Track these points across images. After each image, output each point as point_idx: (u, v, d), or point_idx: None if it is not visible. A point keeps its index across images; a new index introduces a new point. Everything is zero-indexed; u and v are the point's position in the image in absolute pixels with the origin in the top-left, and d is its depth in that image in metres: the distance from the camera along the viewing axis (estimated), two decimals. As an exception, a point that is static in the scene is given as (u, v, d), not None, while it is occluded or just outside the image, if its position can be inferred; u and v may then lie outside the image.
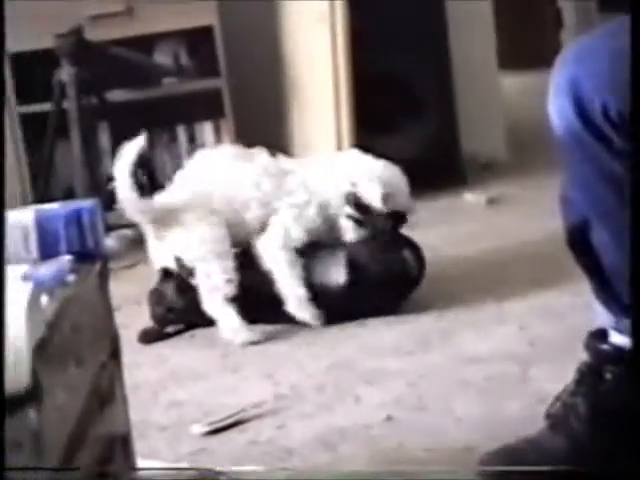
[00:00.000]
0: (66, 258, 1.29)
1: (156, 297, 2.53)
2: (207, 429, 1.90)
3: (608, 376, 1.47)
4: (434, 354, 2.17)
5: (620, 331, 1.45)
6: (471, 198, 3.54)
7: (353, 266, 2.42)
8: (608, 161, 1.37)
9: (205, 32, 3.49)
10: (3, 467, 0.88)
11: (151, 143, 3.69)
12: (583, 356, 2.01)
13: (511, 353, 2.11)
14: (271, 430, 1.89)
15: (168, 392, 2.13)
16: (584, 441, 1.48)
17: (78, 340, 1.19)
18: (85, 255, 1.34)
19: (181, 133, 3.71)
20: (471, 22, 3.99)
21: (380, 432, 1.82)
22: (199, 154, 2.67)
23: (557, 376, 1.95)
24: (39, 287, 1.07)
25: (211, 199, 2.48)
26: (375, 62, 3.51)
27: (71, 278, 1.22)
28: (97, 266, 1.34)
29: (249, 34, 3.77)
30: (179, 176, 2.61)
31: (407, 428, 1.82)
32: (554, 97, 1.41)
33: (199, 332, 2.51)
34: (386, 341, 2.28)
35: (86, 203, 1.36)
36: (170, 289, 2.51)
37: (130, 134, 3.55)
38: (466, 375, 2.02)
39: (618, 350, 1.46)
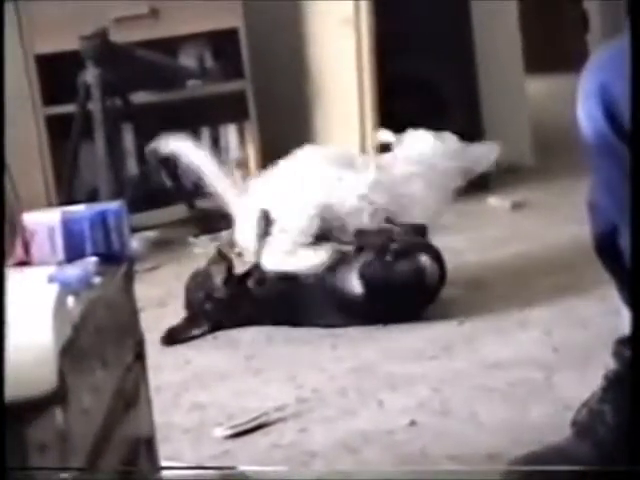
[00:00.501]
0: (92, 260, 1.29)
1: (201, 278, 2.53)
2: (230, 432, 1.90)
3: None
4: (457, 359, 2.16)
5: None
6: (495, 202, 3.53)
7: (366, 276, 2.42)
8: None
9: (230, 34, 3.50)
10: (3, 467, 0.87)
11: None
12: (608, 362, 2.02)
13: (535, 359, 2.10)
14: (293, 433, 1.88)
15: (191, 394, 2.13)
16: (611, 448, 1.47)
17: (103, 342, 1.19)
18: (110, 257, 1.34)
19: (205, 135, 3.71)
20: (497, 24, 3.99)
21: (403, 437, 1.81)
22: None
23: (581, 383, 1.94)
24: (65, 289, 1.07)
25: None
26: (399, 64, 3.51)
27: (97, 280, 1.22)
28: (122, 268, 1.34)
29: (274, 36, 3.77)
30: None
31: (430, 433, 1.81)
32: (583, 101, 1.41)
33: (222, 334, 2.51)
34: (409, 345, 2.27)
35: (112, 205, 1.37)
36: (219, 273, 2.50)
37: (154, 136, 3.58)
38: (489, 381, 2.01)
39: None
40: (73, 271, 1.18)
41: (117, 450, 1.17)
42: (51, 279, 1.12)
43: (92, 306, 1.16)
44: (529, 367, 2.05)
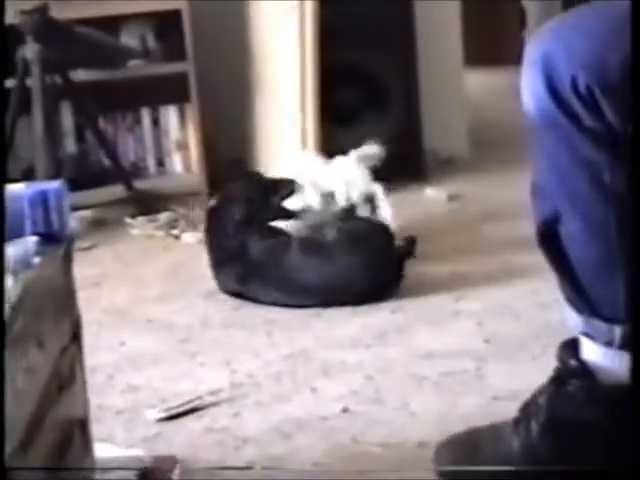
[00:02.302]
0: (31, 239, 1.28)
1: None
2: (163, 415, 1.90)
3: (570, 389, 1.48)
4: (391, 348, 2.18)
5: (591, 336, 1.46)
6: (432, 193, 3.56)
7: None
8: (579, 142, 1.36)
9: (173, 15, 3.48)
10: (3, 467, 0.87)
11: (114, 124, 3.69)
12: (537, 354, 2.06)
13: (466, 350, 2.13)
14: (227, 418, 1.89)
15: (124, 376, 2.13)
16: (537, 445, 1.49)
17: (40, 323, 1.19)
18: (50, 237, 1.33)
19: (145, 116, 3.69)
20: (438, 18, 4.01)
21: (336, 424, 1.83)
22: None
23: (510, 374, 1.99)
24: (10, 269, 1.06)
25: None
26: (342, 55, 3.52)
27: (36, 260, 1.21)
28: (62, 248, 1.34)
29: (218, 20, 3.75)
30: None
31: (363, 421, 1.83)
32: (526, 73, 1.40)
33: (157, 317, 2.50)
34: (343, 333, 2.29)
35: (53, 184, 1.36)
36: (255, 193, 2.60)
37: (94, 115, 3.56)
38: (422, 370, 2.03)
39: (583, 366, 1.47)
40: (12, 251, 1.17)
41: (51, 432, 1.17)
42: (-10, 259, 1.11)
43: (30, 286, 1.15)
44: (461, 357, 2.08)
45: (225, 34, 3.72)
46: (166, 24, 3.58)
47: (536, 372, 1.92)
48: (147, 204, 3.44)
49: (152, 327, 2.45)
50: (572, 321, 1.48)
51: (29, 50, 3.21)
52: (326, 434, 1.79)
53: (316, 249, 2.53)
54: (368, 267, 2.49)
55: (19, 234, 1.30)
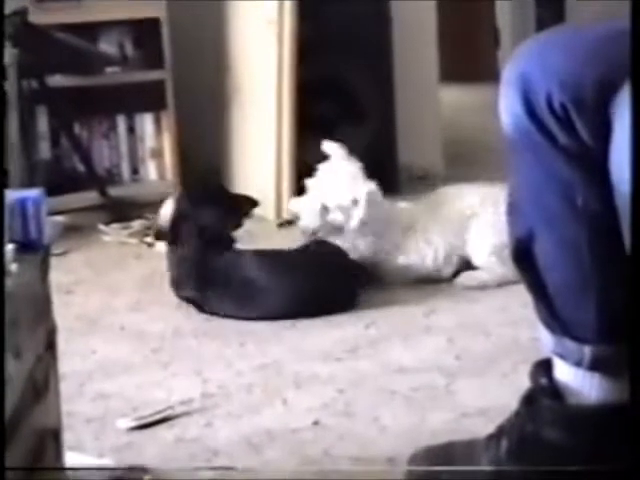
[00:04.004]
0: (9, 247, 1.29)
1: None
2: (134, 424, 1.90)
3: (539, 409, 1.49)
4: (362, 361, 2.19)
5: (562, 356, 1.47)
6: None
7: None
8: (553, 159, 1.37)
9: (152, 24, 3.49)
10: (3, 467, 0.87)
11: (89, 130, 3.68)
12: (506, 371, 2.08)
13: (437, 365, 2.14)
14: (198, 428, 1.90)
15: (95, 384, 2.13)
16: (504, 463, 1.50)
17: (18, 332, 1.19)
18: (27, 245, 1.33)
19: (121, 123, 3.69)
20: (415, 34, 4.04)
21: (307, 436, 1.84)
22: None
23: (480, 391, 2.00)
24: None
25: None
26: (319, 68, 3.54)
27: (14, 268, 1.22)
28: (39, 257, 1.34)
29: (196, 29, 3.77)
30: None
31: (334, 434, 1.84)
32: (503, 91, 1.41)
33: (129, 325, 2.51)
34: (316, 346, 2.30)
35: (31, 192, 1.36)
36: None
37: (69, 120, 3.55)
38: (393, 385, 2.05)
39: (553, 386, 1.48)
40: (-9, 259, 1.18)
41: (25, 441, 1.17)
42: (-31, 267, 1.11)
43: (8, 295, 1.15)
44: (431, 373, 2.10)
45: (203, 44, 3.73)
46: (144, 32, 3.59)
47: (505, 389, 1.96)
48: (121, 211, 3.44)
49: (124, 335, 2.45)
50: (545, 340, 1.50)
51: (6, 54, 3.20)
52: (297, 447, 1.80)
53: (273, 263, 2.55)
54: (323, 279, 2.52)
55: (-4, 242, 1.30)
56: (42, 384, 1.30)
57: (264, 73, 3.46)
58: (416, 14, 4.02)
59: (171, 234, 2.63)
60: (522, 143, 1.39)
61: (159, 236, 2.73)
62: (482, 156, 4.67)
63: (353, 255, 2.67)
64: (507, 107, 1.40)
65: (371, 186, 2.73)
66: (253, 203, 2.75)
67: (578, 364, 1.45)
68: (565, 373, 1.47)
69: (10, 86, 3.21)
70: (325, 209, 2.73)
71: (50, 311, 1.39)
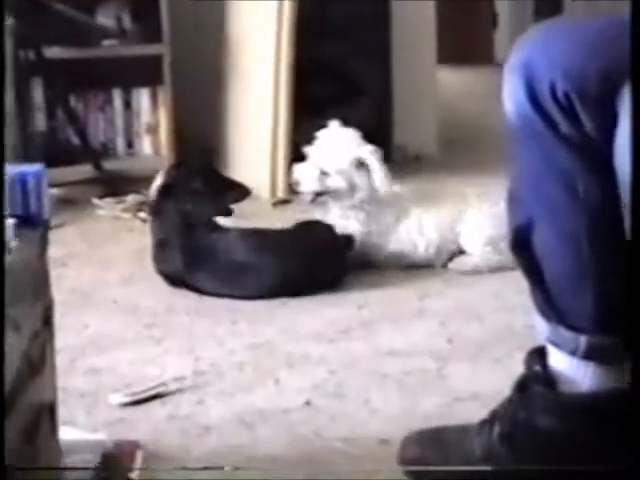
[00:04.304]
0: (9, 222, 1.28)
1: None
2: (126, 400, 1.91)
3: (532, 395, 1.50)
4: (354, 343, 2.20)
5: (557, 344, 1.48)
6: (398, 190, 3.57)
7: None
8: (555, 148, 1.38)
9: (151, -2, 3.47)
10: (3, 466, 0.87)
11: (85, 103, 3.67)
12: (499, 357, 2.08)
13: (429, 349, 2.15)
14: (190, 406, 1.90)
15: (88, 359, 2.13)
16: (496, 448, 1.51)
17: (17, 306, 1.19)
18: (27, 220, 1.33)
19: (117, 96, 3.68)
20: (414, 14, 4.03)
21: (298, 417, 1.84)
22: None
23: (472, 375, 2.01)
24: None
25: None
26: (318, 48, 3.53)
27: (14, 244, 1.21)
28: (39, 232, 1.34)
29: (196, 5, 3.75)
30: None
31: (325, 415, 1.85)
32: (507, 79, 1.41)
33: (122, 300, 2.51)
34: (308, 326, 2.30)
35: (33, 167, 1.36)
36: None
37: (65, 92, 3.54)
38: (384, 368, 2.05)
39: (547, 374, 1.49)
40: (-8, 234, 1.17)
41: (21, 416, 1.17)
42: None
43: (8, 269, 1.15)
44: (423, 357, 2.10)
45: (203, 19, 3.72)
46: (143, 5, 3.57)
47: (497, 375, 1.97)
48: (115, 185, 3.44)
49: (117, 310, 2.45)
50: (540, 328, 1.50)
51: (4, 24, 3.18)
52: (288, 427, 1.81)
53: (260, 241, 2.55)
54: (312, 257, 2.53)
55: (-4, 216, 1.30)
56: (38, 359, 1.30)
57: (263, 51, 3.45)
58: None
59: (155, 206, 2.63)
60: (524, 131, 1.40)
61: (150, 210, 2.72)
62: (476, 139, 4.68)
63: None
64: (510, 95, 1.40)
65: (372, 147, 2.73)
66: (245, 192, 2.73)
67: (573, 353, 1.46)
68: (559, 361, 1.48)
69: (7, 56, 3.19)
70: (324, 174, 2.73)
71: (48, 286, 1.40)
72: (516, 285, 2.51)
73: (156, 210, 2.63)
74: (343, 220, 2.73)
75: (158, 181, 2.66)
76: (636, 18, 1.20)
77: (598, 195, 1.37)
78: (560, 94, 1.33)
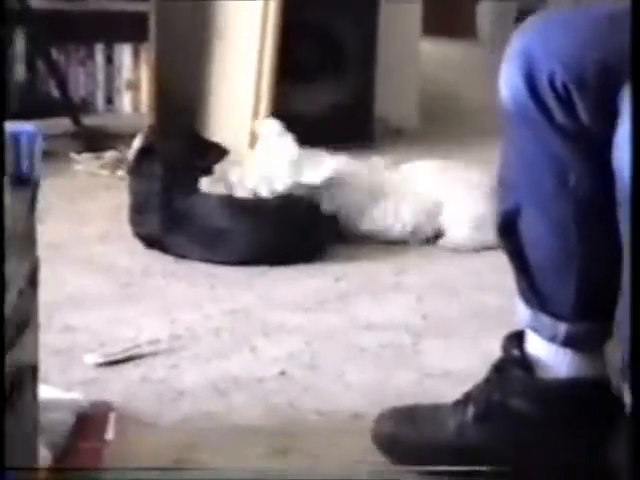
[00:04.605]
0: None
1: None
2: (101, 360, 1.91)
3: (509, 378, 1.51)
4: (330, 315, 2.21)
5: (536, 330, 1.50)
6: (377, 161, 3.58)
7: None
8: (549, 137, 1.38)
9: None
10: (3, 466, 0.87)
11: (67, 57, 3.64)
12: (472, 336, 2.10)
13: (404, 324, 2.16)
14: (164, 369, 1.91)
15: (63, 316, 2.12)
16: (469, 428, 1.53)
17: (5, 265, 1.18)
18: (18, 179, 1.32)
19: (99, 51, 3.64)
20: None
21: (273, 386, 1.85)
22: None
23: (445, 352, 2.02)
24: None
25: None
26: (304, 13, 3.51)
27: (7, 202, 1.21)
28: (29, 191, 1.33)
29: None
30: None
31: (299, 386, 1.86)
32: (506, 64, 1.41)
33: (98, 258, 2.50)
34: (286, 294, 2.31)
35: (27, 127, 1.35)
36: None
37: (47, 44, 3.50)
38: (360, 341, 2.07)
39: (525, 358, 1.51)
40: (-16, 193, 1.17)
41: (6, 378, 1.17)
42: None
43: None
44: (399, 331, 2.12)
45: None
46: (131, -39, 3.53)
47: (470, 353, 1.99)
48: (93, 141, 3.41)
49: (93, 268, 2.44)
50: (520, 314, 1.52)
51: (-11, -28, 3.14)
52: (262, 395, 1.82)
53: (240, 208, 2.56)
54: (294, 227, 2.54)
55: (-13, 173, 1.29)
56: (23, 319, 1.30)
57: (249, 13, 3.43)
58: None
59: (135, 168, 2.62)
60: (519, 118, 1.40)
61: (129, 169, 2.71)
62: (457, 112, 4.69)
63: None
64: (507, 81, 1.40)
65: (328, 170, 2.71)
66: (224, 152, 2.72)
67: (552, 339, 1.48)
68: (538, 347, 1.50)
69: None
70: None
71: (35, 246, 1.39)
72: (493, 264, 2.55)
73: (135, 172, 2.62)
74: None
75: (137, 142, 2.64)
76: (636, 18, 1.21)
77: (589, 185, 1.38)
78: (558, 84, 1.34)
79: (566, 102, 1.34)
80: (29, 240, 1.36)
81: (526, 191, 1.45)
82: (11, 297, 1.23)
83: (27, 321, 1.33)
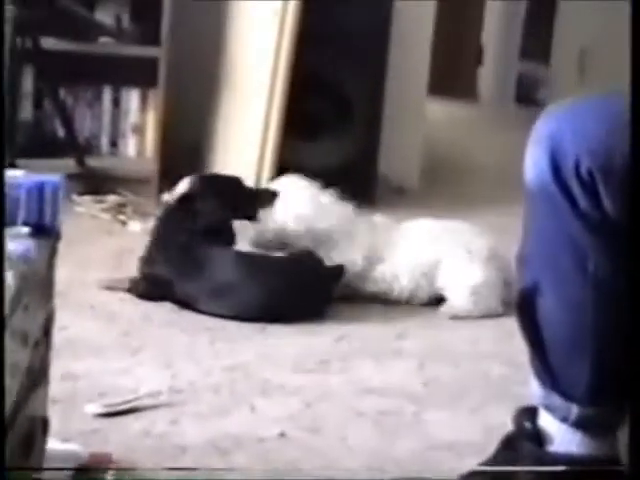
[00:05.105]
0: (23, 230, 1.27)
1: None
2: (102, 411, 1.89)
3: (523, 452, 1.50)
4: (331, 376, 2.19)
5: (549, 409, 1.49)
6: (379, 220, 3.58)
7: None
8: (570, 221, 1.39)
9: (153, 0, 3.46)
10: (3, 467, 0.86)
11: (74, 97, 3.64)
12: (475, 407, 2.09)
13: (405, 391, 2.14)
14: (165, 424, 1.88)
15: (63, 363, 2.10)
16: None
17: (27, 318, 1.17)
18: (40, 229, 1.32)
19: (107, 94, 3.65)
20: (411, 46, 4.05)
21: (273, 447, 1.83)
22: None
23: (447, 424, 2.00)
24: (10, 264, 1.05)
25: None
26: (313, 67, 3.53)
27: (33, 255, 1.20)
28: (51, 241, 1.32)
29: (198, 10, 3.73)
30: None
31: (300, 448, 1.84)
32: (532, 147, 1.42)
33: (99, 304, 2.48)
34: (286, 353, 2.29)
35: (52, 177, 1.34)
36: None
37: (55, 84, 3.51)
38: (361, 405, 2.05)
39: (537, 432, 1.50)
40: (14, 246, 1.16)
41: (19, 430, 1.16)
42: (-6, 252, 1.09)
43: (25, 281, 1.14)
44: (399, 398, 2.10)
45: (203, 25, 3.70)
46: (143, 7, 3.55)
47: (473, 424, 1.97)
48: (95, 183, 3.41)
49: (94, 314, 2.42)
50: (534, 390, 1.51)
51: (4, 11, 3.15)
52: (262, 456, 1.80)
53: (248, 264, 2.55)
54: (298, 286, 2.53)
55: (12, 222, 1.29)
56: (38, 371, 1.28)
57: (260, 63, 3.44)
58: (415, 25, 4.03)
59: (171, 209, 2.61)
60: (542, 200, 1.41)
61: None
62: (456, 173, 4.71)
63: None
64: (533, 163, 1.41)
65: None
66: (272, 195, 2.72)
67: (563, 420, 1.47)
68: (549, 424, 1.49)
69: (4, 42, 3.15)
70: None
71: (52, 295, 1.38)
72: (493, 332, 2.55)
73: (169, 214, 2.60)
74: None
75: (181, 187, 2.64)
76: (636, 18, 1.22)
77: (607, 272, 1.38)
78: (584, 170, 1.34)
79: (590, 189, 1.35)
80: (47, 290, 1.35)
81: (544, 270, 1.45)
82: (30, 349, 1.22)
83: (41, 373, 1.32)
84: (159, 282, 2.54)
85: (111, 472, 1.66)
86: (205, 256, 2.52)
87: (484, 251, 2.74)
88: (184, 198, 2.59)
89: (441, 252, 2.75)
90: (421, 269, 2.72)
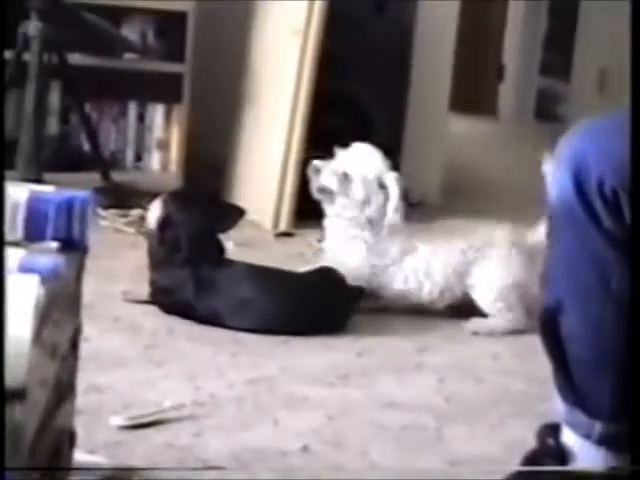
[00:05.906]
0: (52, 245, 1.29)
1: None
2: (126, 423, 1.91)
3: (545, 471, 1.51)
4: (353, 390, 2.21)
5: (572, 425, 1.50)
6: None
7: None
8: (594, 240, 1.40)
9: (178, 17, 3.49)
10: (3, 467, 0.88)
11: (100, 112, 3.68)
12: (496, 423, 2.10)
13: (427, 406, 2.15)
14: (188, 436, 1.90)
15: (87, 375, 2.11)
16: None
17: (56, 332, 1.19)
18: (68, 244, 1.34)
19: (132, 109, 3.68)
20: (433, 62, 4.07)
21: (296, 461, 1.85)
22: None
23: (469, 439, 2.01)
24: (40, 280, 1.07)
25: None
26: (336, 83, 3.55)
27: (63, 269, 1.22)
28: (79, 256, 1.35)
29: (223, 27, 3.77)
30: None
31: (322, 462, 1.85)
32: (557, 167, 1.44)
33: (123, 317, 2.51)
34: (308, 366, 2.31)
35: (81, 193, 1.37)
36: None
37: (81, 99, 3.55)
38: (383, 419, 2.06)
39: (560, 448, 1.51)
40: (44, 261, 1.18)
41: (48, 444, 1.18)
42: (25, 268, 1.11)
43: (54, 297, 1.16)
44: (421, 413, 2.11)
45: (227, 43, 3.74)
46: (170, 24, 3.58)
47: (495, 440, 1.98)
48: (120, 197, 3.44)
49: (118, 327, 2.45)
50: (557, 407, 1.52)
51: (32, 27, 3.19)
52: (285, 470, 1.81)
53: (265, 277, 2.56)
54: (319, 301, 2.54)
55: (40, 236, 1.31)
56: (65, 385, 1.30)
57: (282, 81, 3.47)
58: (436, 42, 4.05)
59: (158, 237, 2.61)
60: (566, 217, 1.42)
61: (149, 236, 2.69)
62: (477, 189, 4.72)
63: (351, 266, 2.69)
64: (557, 181, 1.42)
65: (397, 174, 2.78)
66: (241, 212, 2.73)
67: (587, 437, 1.48)
68: (572, 441, 1.50)
69: (31, 58, 3.20)
70: (346, 176, 2.74)
71: (79, 310, 1.40)
72: (514, 349, 2.55)
73: (159, 240, 2.61)
74: (343, 256, 2.73)
75: (155, 212, 2.64)
76: (636, 18, 1.22)
77: (630, 289, 1.39)
78: (607, 189, 1.35)
79: (613, 207, 1.36)
80: (75, 304, 1.37)
81: (568, 288, 1.46)
82: (58, 361, 1.24)
83: (69, 386, 1.34)
84: (177, 308, 2.56)
85: (136, 484, 1.68)
86: (215, 275, 2.52)
87: (514, 254, 2.74)
88: (162, 222, 2.59)
89: (472, 251, 2.76)
90: (452, 267, 2.73)
